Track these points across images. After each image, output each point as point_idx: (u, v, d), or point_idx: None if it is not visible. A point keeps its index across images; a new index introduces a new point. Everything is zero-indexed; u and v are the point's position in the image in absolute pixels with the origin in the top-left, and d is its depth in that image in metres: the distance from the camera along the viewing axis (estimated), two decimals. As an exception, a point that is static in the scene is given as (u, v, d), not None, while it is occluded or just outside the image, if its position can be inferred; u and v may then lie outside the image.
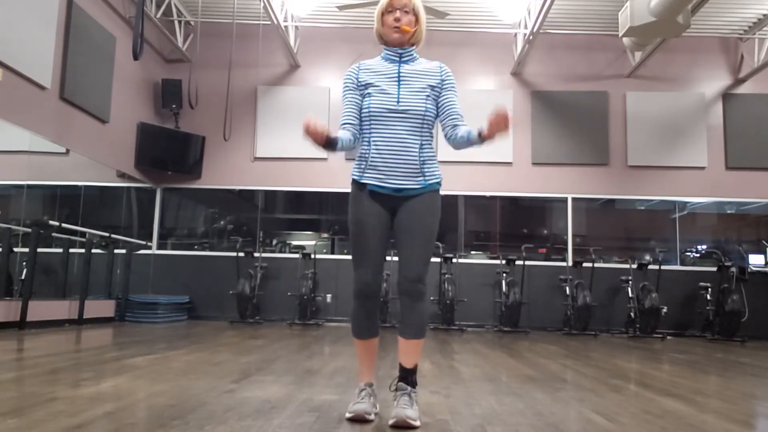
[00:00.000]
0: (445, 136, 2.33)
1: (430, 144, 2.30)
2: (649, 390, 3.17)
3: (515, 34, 8.99)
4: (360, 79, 2.30)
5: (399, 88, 2.25)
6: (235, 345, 4.94)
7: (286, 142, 8.98)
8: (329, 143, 2.16)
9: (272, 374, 3.29)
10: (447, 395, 2.79)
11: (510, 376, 3.54)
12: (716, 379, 3.78)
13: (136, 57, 6.19)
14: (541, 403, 2.67)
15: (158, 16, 8.31)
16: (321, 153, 8.81)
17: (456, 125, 2.30)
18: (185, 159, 8.89)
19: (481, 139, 2.20)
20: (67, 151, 6.98)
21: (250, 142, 9.08)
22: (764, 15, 8.49)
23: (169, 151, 8.73)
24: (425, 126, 2.26)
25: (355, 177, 2.28)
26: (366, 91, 2.27)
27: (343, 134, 2.26)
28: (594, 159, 8.93)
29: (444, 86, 2.30)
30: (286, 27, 8.55)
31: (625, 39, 8.00)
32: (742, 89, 9.02)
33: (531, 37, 8.10)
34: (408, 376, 2.22)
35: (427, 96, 2.26)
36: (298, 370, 3.49)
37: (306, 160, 8.90)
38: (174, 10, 8.65)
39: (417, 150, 2.24)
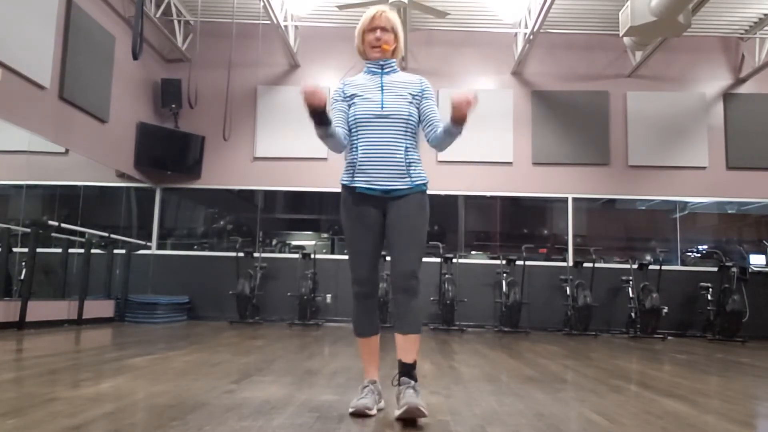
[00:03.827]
0: (428, 140, 2.43)
1: (415, 148, 2.41)
2: (649, 390, 3.16)
3: (515, 34, 8.98)
4: (346, 92, 2.44)
5: (382, 94, 2.38)
6: (235, 345, 4.94)
7: (286, 142, 8.98)
8: (325, 117, 2.23)
9: (272, 374, 3.28)
10: (447, 395, 2.78)
11: (510, 377, 3.53)
12: (717, 379, 3.77)
13: (135, 57, 6.18)
14: (542, 403, 2.66)
15: (158, 15, 8.29)
16: (320, 152, 8.81)
17: (436, 128, 2.39)
18: (185, 159, 8.88)
19: (455, 123, 2.26)
20: (67, 151, 6.97)
21: (250, 142, 9.07)
22: (765, 15, 8.47)
23: (168, 150, 8.72)
24: (409, 130, 2.37)
25: (345, 182, 2.39)
26: (352, 101, 2.40)
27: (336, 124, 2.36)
28: (594, 159, 8.92)
29: (424, 95, 2.43)
30: (286, 27, 8.54)
31: (625, 38, 7.99)
32: (743, 89, 9.01)
33: (531, 37, 8.09)
34: (409, 372, 2.25)
35: (410, 102, 2.39)
36: (298, 371, 3.48)
37: (306, 160, 8.89)
38: (173, 9, 8.64)
39: (403, 152, 2.34)
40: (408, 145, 2.36)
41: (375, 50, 2.41)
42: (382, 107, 2.35)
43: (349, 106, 2.41)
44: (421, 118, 2.42)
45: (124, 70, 7.86)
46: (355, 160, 2.36)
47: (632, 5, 6.83)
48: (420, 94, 2.42)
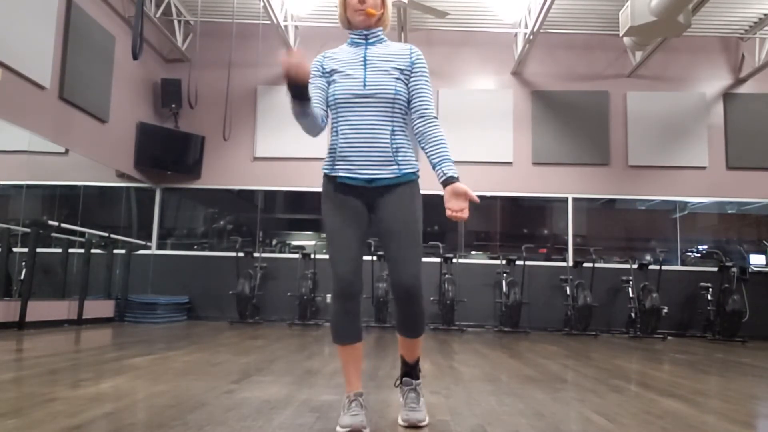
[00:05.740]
0: (414, 128, 2.14)
1: (404, 131, 2.12)
2: (649, 390, 3.16)
3: (515, 34, 8.98)
4: (325, 67, 2.15)
5: (365, 71, 2.10)
6: (235, 345, 4.93)
7: (286, 142, 8.97)
8: (305, 93, 1.93)
9: (272, 374, 3.28)
10: (447, 395, 2.78)
11: (510, 377, 3.53)
12: (717, 379, 3.77)
13: (135, 57, 6.19)
14: (542, 403, 2.66)
15: (158, 15, 8.29)
16: (320, 152, 8.81)
17: (425, 119, 2.11)
18: (185, 159, 8.88)
19: (442, 183, 2.08)
20: (67, 151, 6.97)
21: (250, 142, 9.06)
22: (765, 14, 8.47)
23: (168, 150, 8.72)
24: (396, 110, 2.09)
25: (326, 170, 2.14)
26: (331, 78, 2.13)
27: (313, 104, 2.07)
28: (594, 159, 8.92)
29: (414, 70, 2.13)
30: (285, 27, 8.54)
31: (625, 38, 7.99)
32: (743, 89, 9.01)
33: (531, 37, 8.09)
34: (411, 370, 2.25)
35: (396, 78, 2.10)
36: (298, 371, 3.48)
37: (306, 160, 8.88)
38: (173, 9, 8.64)
39: (388, 136, 2.07)
40: (395, 128, 2.08)
41: (358, 14, 2.10)
42: (365, 86, 2.06)
43: (329, 83, 2.13)
44: (409, 97, 2.13)
45: (124, 70, 7.86)
46: (335, 146, 2.10)
47: (632, 5, 6.83)
48: (409, 68, 2.12)
